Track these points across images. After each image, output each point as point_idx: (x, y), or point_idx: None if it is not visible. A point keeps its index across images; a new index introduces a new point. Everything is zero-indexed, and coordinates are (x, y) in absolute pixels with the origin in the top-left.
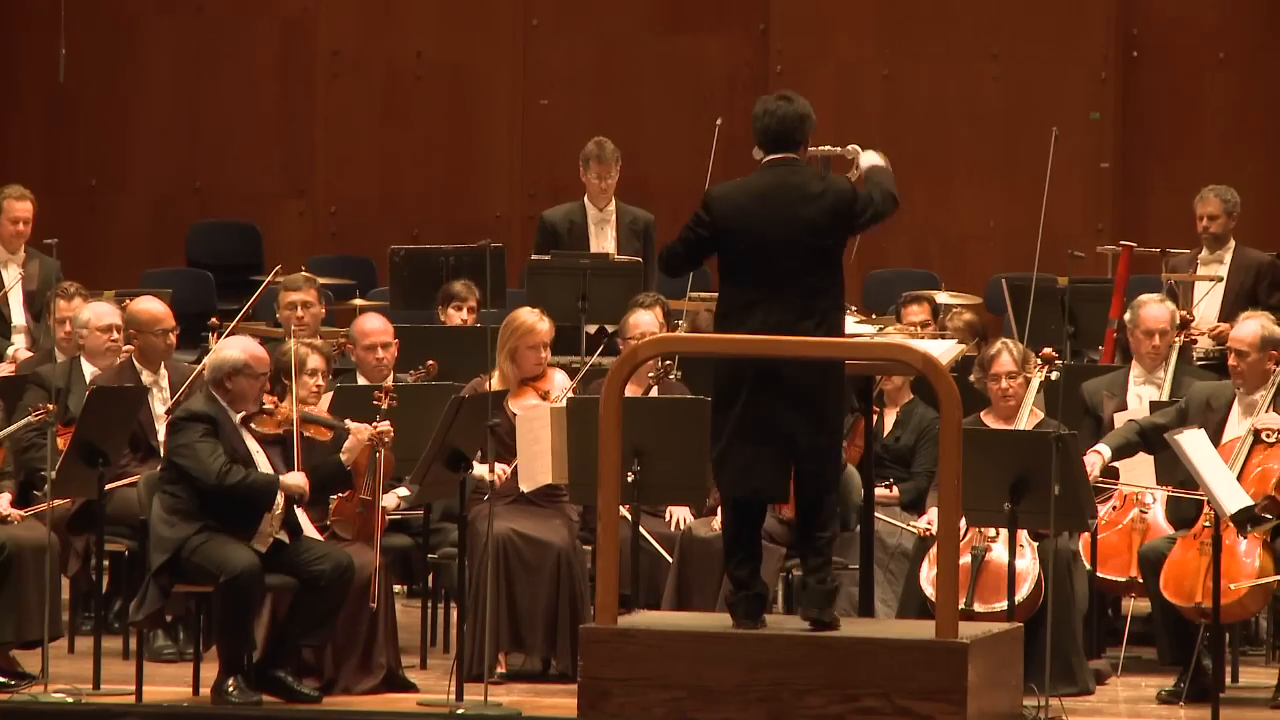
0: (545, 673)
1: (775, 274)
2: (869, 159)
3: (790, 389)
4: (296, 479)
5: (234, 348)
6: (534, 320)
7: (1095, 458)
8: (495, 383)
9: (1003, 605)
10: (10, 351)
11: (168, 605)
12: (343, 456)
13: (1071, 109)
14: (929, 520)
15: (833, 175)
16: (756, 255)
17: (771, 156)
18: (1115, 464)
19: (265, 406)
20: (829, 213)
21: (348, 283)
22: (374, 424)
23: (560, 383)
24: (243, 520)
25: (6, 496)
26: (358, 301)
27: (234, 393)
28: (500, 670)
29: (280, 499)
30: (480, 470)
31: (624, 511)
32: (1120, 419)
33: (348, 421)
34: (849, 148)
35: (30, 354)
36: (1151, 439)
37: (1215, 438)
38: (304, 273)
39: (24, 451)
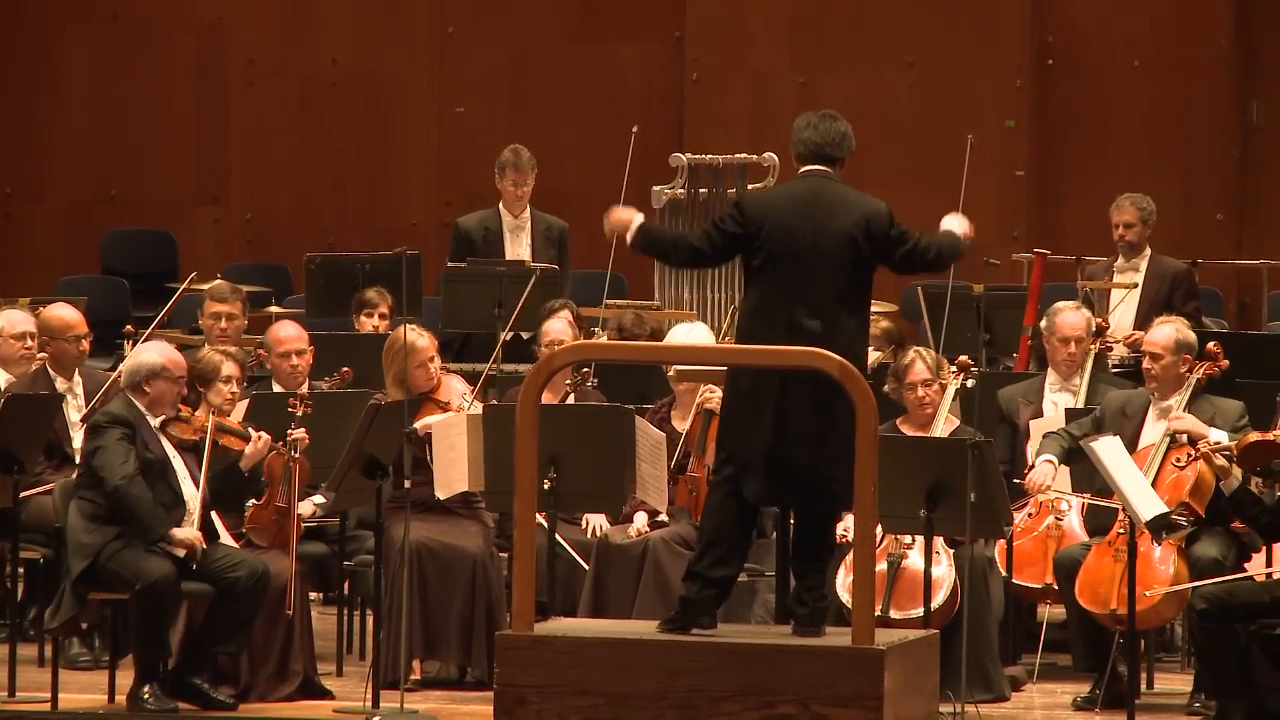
0: (461, 680)
1: (803, 278)
2: (950, 222)
3: (823, 401)
4: (187, 535)
5: (152, 351)
6: (413, 338)
7: (1049, 468)
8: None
9: (919, 612)
10: None
11: (83, 613)
12: (242, 464)
13: (986, 117)
14: (845, 527)
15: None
16: (786, 257)
17: (810, 168)
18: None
19: (181, 414)
20: (862, 226)
21: (263, 290)
22: (289, 431)
23: (458, 389)
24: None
25: None
26: (273, 309)
27: (152, 396)
28: (415, 677)
29: (195, 512)
30: None
31: (540, 519)
32: (1036, 426)
33: (260, 432)
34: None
35: None
36: (1073, 450)
37: (1131, 444)
38: (230, 284)
39: None
